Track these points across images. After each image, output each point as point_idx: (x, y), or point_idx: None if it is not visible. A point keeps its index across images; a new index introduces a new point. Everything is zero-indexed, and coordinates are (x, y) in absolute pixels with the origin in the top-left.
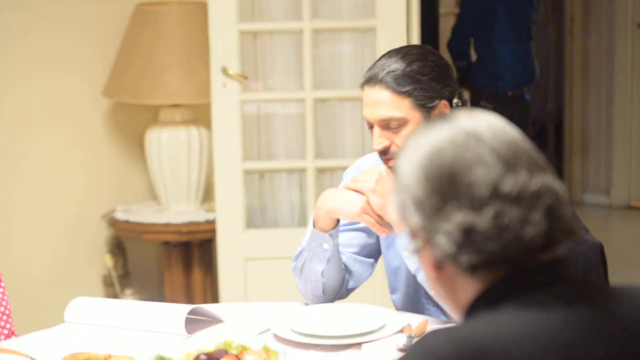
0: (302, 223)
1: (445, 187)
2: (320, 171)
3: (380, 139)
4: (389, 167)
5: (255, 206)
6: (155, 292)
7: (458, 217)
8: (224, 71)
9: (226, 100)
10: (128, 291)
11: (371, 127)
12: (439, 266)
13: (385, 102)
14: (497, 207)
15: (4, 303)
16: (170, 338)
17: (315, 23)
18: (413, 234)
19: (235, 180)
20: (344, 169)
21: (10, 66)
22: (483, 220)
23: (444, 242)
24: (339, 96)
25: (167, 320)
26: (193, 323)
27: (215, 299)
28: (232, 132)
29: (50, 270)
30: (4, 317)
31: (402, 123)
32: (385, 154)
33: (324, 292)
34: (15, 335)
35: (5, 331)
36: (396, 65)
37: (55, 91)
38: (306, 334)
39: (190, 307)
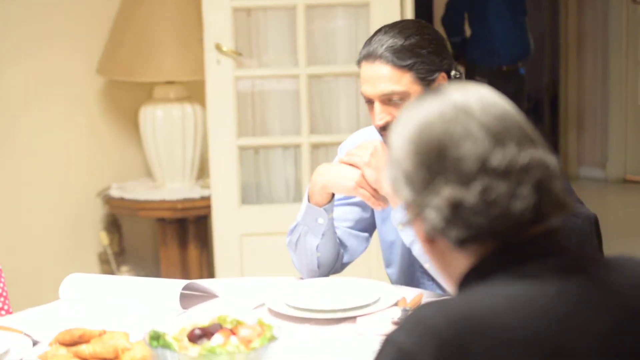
0: (297, 198)
1: (433, 162)
2: (315, 147)
3: (382, 114)
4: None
5: (250, 182)
6: (151, 268)
7: (446, 192)
8: (218, 48)
9: (220, 77)
10: (124, 268)
11: (370, 102)
12: (430, 240)
13: (386, 77)
14: (484, 182)
15: (0, 285)
16: (165, 313)
17: None
18: (405, 208)
19: (230, 156)
20: (339, 144)
21: (6, 44)
22: (471, 195)
23: (433, 216)
24: (334, 72)
25: (162, 296)
26: (188, 298)
27: (211, 275)
28: (226, 108)
29: (46, 248)
30: (1, 299)
31: (403, 97)
32: (385, 130)
33: (318, 267)
34: (11, 314)
35: (3, 312)
36: (394, 40)
37: (50, 68)
38: (301, 308)
39: (184, 282)
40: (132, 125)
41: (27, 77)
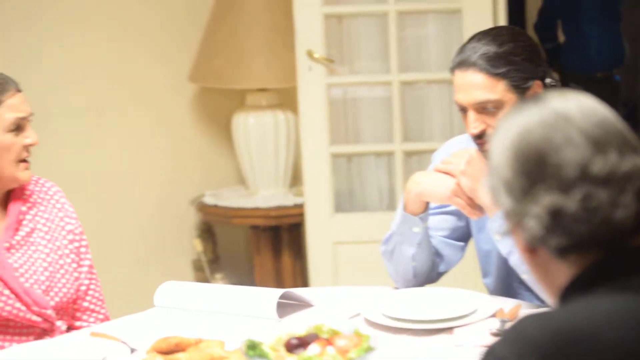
0: (391, 207)
1: (533, 169)
2: (408, 154)
3: (475, 122)
4: (485, 151)
5: (344, 190)
6: (245, 276)
7: (546, 200)
8: (310, 55)
9: (312, 84)
10: (218, 275)
11: (463, 110)
12: (531, 249)
13: (480, 85)
14: (585, 189)
15: (98, 289)
16: (260, 322)
17: (401, 5)
18: (504, 217)
19: (322, 164)
20: (432, 152)
21: (98, 51)
22: (571, 202)
23: (533, 224)
24: (426, 79)
25: (258, 305)
26: (283, 307)
27: (304, 283)
28: (318, 116)
29: (141, 255)
30: (99, 303)
31: (498, 105)
32: (480, 138)
33: (414, 276)
34: (108, 319)
35: (101, 316)
36: (488, 47)
37: (141, 77)
38: (397, 318)
39: (280, 291)
40: (224, 132)
41: (120, 84)
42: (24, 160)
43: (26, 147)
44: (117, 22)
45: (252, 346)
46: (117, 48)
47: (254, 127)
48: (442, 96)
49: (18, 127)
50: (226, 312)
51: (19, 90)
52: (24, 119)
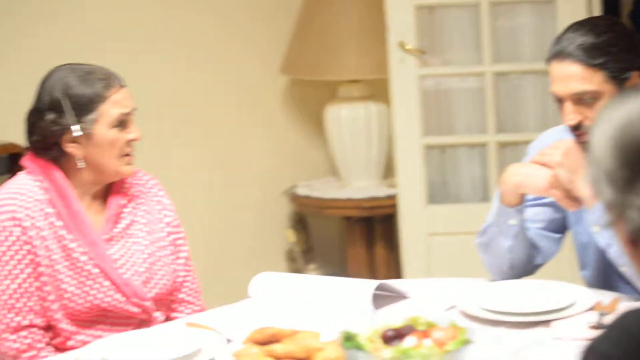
0: (484, 198)
1: (637, 160)
2: (502, 145)
3: (573, 114)
4: (582, 142)
5: (437, 181)
6: (338, 267)
7: None
8: (401, 46)
9: (404, 76)
10: (311, 266)
11: (560, 102)
12: (633, 242)
13: (577, 76)
14: None
15: (194, 281)
16: (355, 313)
17: None
18: (606, 209)
19: (415, 155)
20: (527, 143)
21: (188, 44)
22: None
23: (636, 216)
24: (520, 69)
25: (354, 296)
26: (379, 299)
27: (398, 274)
28: (411, 107)
29: (234, 245)
30: (195, 295)
31: (595, 96)
32: (577, 129)
33: (510, 268)
34: (204, 310)
35: (197, 308)
36: (585, 37)
37: (234, 68)
38: (494, 310)
39: (376, 282)
40: (317, 123)
41: (212, 77)
42: (127, 155)
43: (129, 142)
44: (210, 14)
45: (349, 338)
46: (210, 40)
47: (346, 118)
48: (537, 87)
49: (122, 123)
50: (322, 303)
51: (122, 86)
52: (127, 114)
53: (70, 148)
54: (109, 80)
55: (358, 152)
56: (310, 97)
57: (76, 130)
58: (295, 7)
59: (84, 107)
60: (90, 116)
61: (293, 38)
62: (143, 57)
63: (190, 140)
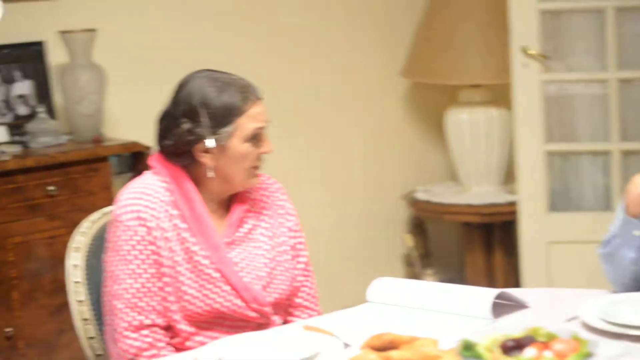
0: (607, 207)
1: None
2: (626, 154)
3: None
4: None
5: (558, 189)
6: (455, 273)
7: None
8: (524, 51)
9: (527, 81)
10: (429, 271)
11: None
12: None
13: None
14: None
15: (312, 287)
16: (474, 322)
17: (619, 1)
18: None
19: (537, 162)
20: None
21: (311, 47)
22: None
23: None
24: None
25: (473, 304)
26: (498, 307)
27: (516, 282)
28: (533, 113)
29: (352, 249)
30: (313, 300)
31: None
32: None
33: (633, 280)
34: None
35: (314, 313)
36: None
37: (355, 71)
38: (618, 323)
39: (496, 290)
40: (437, 128)
41: (334, 79)
42: (255, 167)
43: (260, 156)
44: (332, 18)
45: (468, 346)
46: (332, 43)
47: (467, 123)
48: None
49: (256, 137)
50: (440, 310)
51: (259, 98)
52: (262, 128)
53: (203, 158)
54: (247, 93)
55: (478, 158)
56: (431, 101)
57: (210, 141)
58: (417, 11)
59: (221, 119)
60: (226, 129)
61: (415, 42)
62: (265, 59)
63: (310, 143)
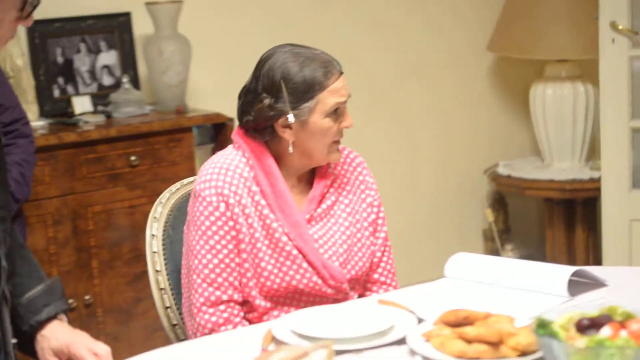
0: None
1: None
2: None
3: None
4: None
5: None
6: (535, 249)
7: None
8: (613, 26)
9: (614, 56)
10: (508, 246)
11: None
12: None
13: None
14: None
15: (390, 262)
16: (550, 299)
17: None
18: None
19: (621, 138)
20: None
21: (396, 20)
22: None
23: None
24: None
25: (550, 281)
26: (575, 285)
27: (597, 260)
28: (619, 88)
29: (432, 223)
30: (390, 276)
31: None
32: None
33: None
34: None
35: (390, 289)
36: None
37: (441, 43)
38: None
39: (573, 268)
40: (521, 102)
41: (418, 51)
42: (336, 142)
43: (341, 131)
44: None
45: (542, 324)
46: (418, 15)
47: (552, 98)
48: None
49: (337, 112)
50: (517, 287)
51: (341, 72)
52: (343, 103)
53: (283, 133)
54: (329, 67)
55: (562, 133)
56: (517, 75)
57: (291, 117)
58: None
59: (302, 94)
60: (307, 104)
61: (501, 15)
62: (349, 33)
63: (393, 117)
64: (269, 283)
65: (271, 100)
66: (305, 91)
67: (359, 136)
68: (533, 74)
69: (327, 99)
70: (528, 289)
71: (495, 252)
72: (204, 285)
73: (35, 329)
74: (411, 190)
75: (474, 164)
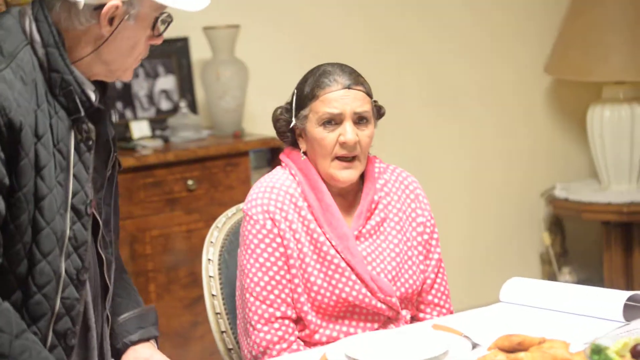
0: None
1: None
2: None
3: None
4: None
5: None
6: (593, 272)
7: None
8: None
9: None
10: (565, 270)
11: None
12: None
13: None
14: None
15: (444, 284)
16: (605, 325)
17: None
18: None
19: None
20: None
21: (455, 42)
22: None
23: None
24: None
25: (605, 306)
26: (631, 310)
27: None
28: None
29: (488, 246)
30: (443, 297)
31: None
32: None
33: None
34: (452, 313)
35: (444, 310)
36: None
37: (498, 66)
38: None
39: (629, 293)
40: (578, 125)
41: (477, 74)
42: (339, 158)
43: (340, 145)
44: (475, 11)
45: (597, 350)
46: (476, 38)
47: (609, 120)
48: None
49: (330, 122)
50: (572, 312)
51: (349, 88)
52: (337, 115)
53: (300, 142)
54: (331, 79)
55: (620, 155)
56: (574, 97)
57: (294, 121)
58: (561, 7)
59: (301, 102)
60: (303, 111)
61: (558, 38)
62: (408, 55)
63: (451, 138)
64: (319, 297)
65: (285, 109)
66: (304, 99)
67: (420, 156)
68: (590, 96)
69: (319, 107)
70: (583, 314)
71: (552, 275)
72: (257, 303)
73: (127, 347)
74: (469, 212)
75: (531, 186)
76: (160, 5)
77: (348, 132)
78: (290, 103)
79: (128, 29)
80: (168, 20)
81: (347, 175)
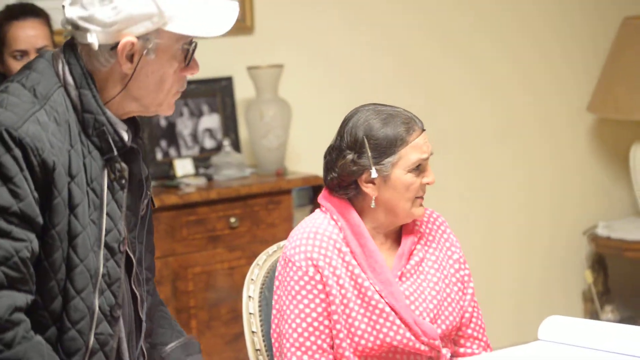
0: None
1: None
2: None
3: None
4: None
5: None
6: (636, 310)
7: None
8: None
9: None
10: (608, 308)
11: None
12: None
13: None
14: None
15: (479, 317)
16: None
17: None
18: None
19: None
20: None
21: (497, 80)
22: None
23: None
24: None
25: None
26: None
27: None
28: None
29: (529, 283)
30: (481, 331)
31: None
32: None
33: None
34: (490, 349)
35: (482, 343)
36: None
37: (541, 105)
38: None
39: None
40: (620, 163)
41: (520, 112)
42: (419, 197)
43: (423, 186)
44: (518, 52)
45: None
46: (518, 77)
47: None
48: None
49: (419, 167)
50: (612, 351)
51: (423, 130)
52: (425, 159)
53: (366, 188)
54: (411, 124)
55: None
56: (616, 135)
57: (374, 172)
58: (604, 45)
59: (384, 149)
60: (389, 159)
61: (601, 77)
62: (447, 92)
63: (496, 177)
64: (363, 342)
65: (354, 156)
66: (388, 146)
67: (466, 196)
68: (633, 134)
69: (410, 154)
70: (623, 353)
71: (594, 313)
72: (292, 349)
73: None
74: (511, 250)
75: (573, 224)
76: (181, 36)
77: (432, 174)
78: (359, 152)
79: (150, 63)
80: (192, 49)
81: (423, 210)
